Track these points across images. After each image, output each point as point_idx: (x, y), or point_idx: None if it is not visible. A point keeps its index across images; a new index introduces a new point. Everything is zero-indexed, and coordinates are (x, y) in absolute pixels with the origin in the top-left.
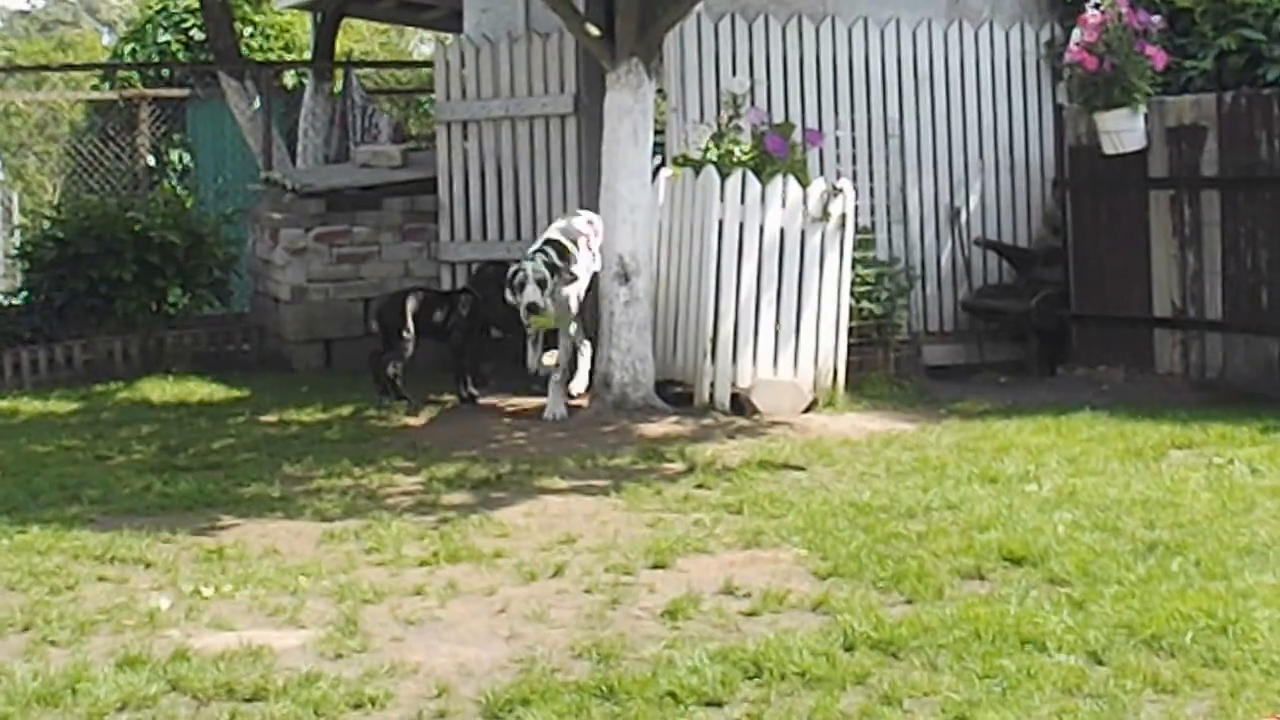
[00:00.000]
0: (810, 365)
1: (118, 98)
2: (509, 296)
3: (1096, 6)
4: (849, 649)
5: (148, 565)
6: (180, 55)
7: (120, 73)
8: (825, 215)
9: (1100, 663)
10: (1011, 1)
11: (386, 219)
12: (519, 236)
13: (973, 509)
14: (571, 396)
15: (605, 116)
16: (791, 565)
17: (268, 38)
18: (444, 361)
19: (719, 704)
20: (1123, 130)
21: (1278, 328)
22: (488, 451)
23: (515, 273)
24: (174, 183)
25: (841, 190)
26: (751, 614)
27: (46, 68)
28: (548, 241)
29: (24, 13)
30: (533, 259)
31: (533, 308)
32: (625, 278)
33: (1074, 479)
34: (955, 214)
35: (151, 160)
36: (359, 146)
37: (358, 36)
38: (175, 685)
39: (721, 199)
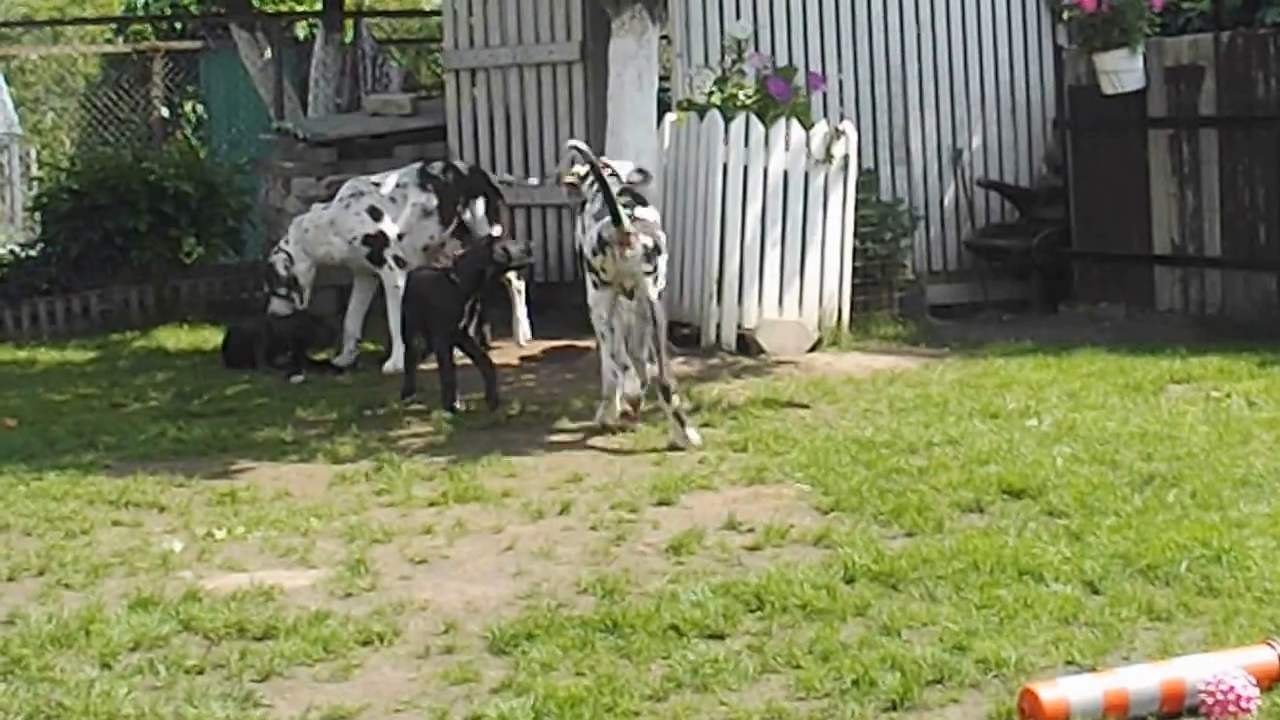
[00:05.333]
0: (815, 305)
1: (131, 51)
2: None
3: None
4: (849, 581)
5: (161, 509)
6: (192, 8)
7: (134, 26)
8: (828, 157)
9: (1096, 592)
10: None
11: (397, 167)
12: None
13: (973, 444)
14: None
15: (610, 62)
16: (794, 500)
17: None
18: None
19: (721, 636)
20: (1122, 70)
21: (1275, 264)
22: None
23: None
24: (188, 134)
25: (844, 132)
26: (754, 548)
27: (60, 22)
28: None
29: None
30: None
31: None
32: None
33: (1074, 413)
34: (957, 155)
35: (165, 112)
36: (369, 95)
37: None
38: (187, 625)
39: (726, 142)
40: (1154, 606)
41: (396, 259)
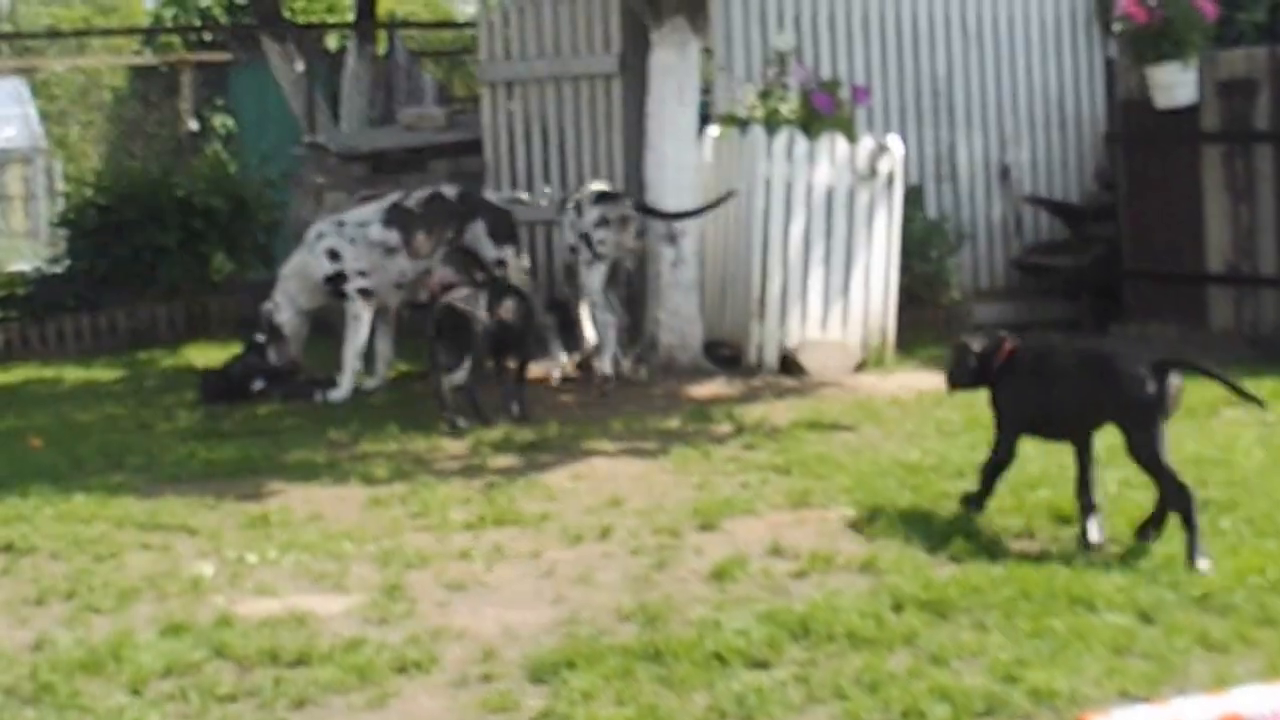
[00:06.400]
0: (859, 325)
1: (159, 63)
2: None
3: None
4: (897, 609)
5: (192, 532)
6: (222, 19)
7: (162, 37)
8: (873, 173)
9: (1150, 621)
10: None
11: (431, 181)
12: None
13: (1022, 468)
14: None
15: (650, 76)
16: (839, 526)
17: (310, 0)
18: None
19: (765, 665)
20: (1174, 84)
21: None
22: (535, 415)
23: None
24: (217, 148)
25: (889, 148)
26: (799, 575)
27: (87, 33)
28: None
29: None
30: None
31: None
32: (672, 239)
33: None
34: (1005, 171)
35: (194, 125)
36: (403, 109)
37: None
38: (219, 651)
39: (769, 157)
40: (1209, 637)
41: (361, 291)
